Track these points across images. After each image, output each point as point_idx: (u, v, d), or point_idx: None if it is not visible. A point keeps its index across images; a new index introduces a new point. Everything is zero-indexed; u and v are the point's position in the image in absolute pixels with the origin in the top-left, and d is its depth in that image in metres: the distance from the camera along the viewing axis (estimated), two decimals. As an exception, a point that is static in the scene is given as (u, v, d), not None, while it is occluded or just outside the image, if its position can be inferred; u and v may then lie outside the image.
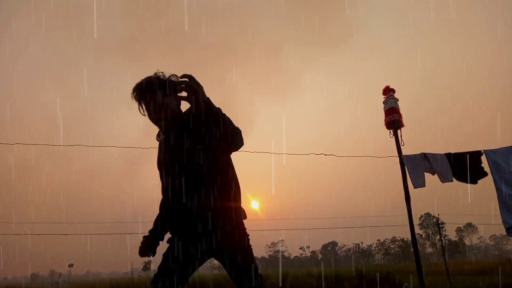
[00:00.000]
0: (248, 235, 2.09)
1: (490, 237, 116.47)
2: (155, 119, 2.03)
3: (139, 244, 2.20)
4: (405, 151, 4.26)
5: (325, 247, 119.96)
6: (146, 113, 2.05)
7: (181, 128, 2.03)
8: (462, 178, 4.15)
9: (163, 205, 2.24)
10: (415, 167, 4.09)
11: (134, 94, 2.03)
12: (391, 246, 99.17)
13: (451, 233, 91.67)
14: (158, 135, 2.19)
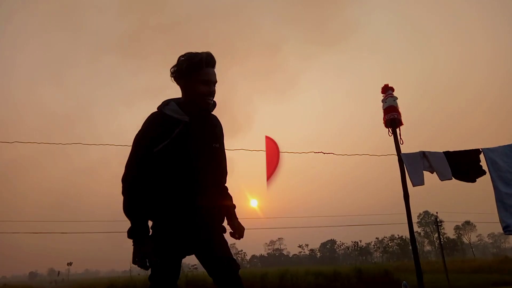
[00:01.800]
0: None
1: (489, 235, 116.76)
2: (208, 91, 2.04)
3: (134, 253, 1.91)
4: (404, 150, 4.27)
5: (323, 245, 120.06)
6: (202, 77, 2.02)
7: (204, 119, 2.11)
8: (460, 177, 4.16)
9: (173, 198, 1.99)
10: (414, 165, 4.10)
11: (204, 57, 2.01)
12: (390, 244, 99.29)
13: (449, 231, 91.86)
14: (172, 110, 2.04)
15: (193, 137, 2.02)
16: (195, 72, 2.00)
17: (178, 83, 2.07)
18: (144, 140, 2.00)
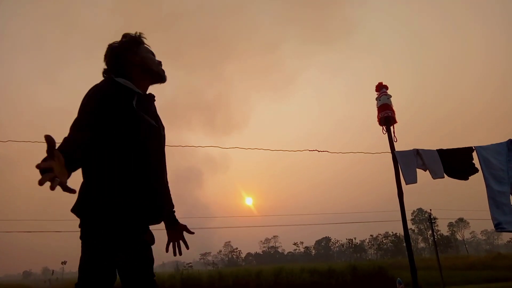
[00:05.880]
0: None
1: (482, 232, 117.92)
2: (159, 61, 1.93)
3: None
4: (398, 147, 4.30)
5: (318, 242, 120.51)
6: (148, 49, 1.92)
7: (150, 99, 1.90)
8: (453, 175, 4.19)
9: (129, 182, 1.62)
10: (407, 163, 4.13)
11: (139, 35, 1.91)
12: (384, 241, 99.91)
13: (443, 228, 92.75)
14: (124, 81, 1.74)
15: (146, 114, 1.75)
16: (141, 45, 1.89)
17: (118, 61, 1.83)
18: (96, 102, 1.62)
